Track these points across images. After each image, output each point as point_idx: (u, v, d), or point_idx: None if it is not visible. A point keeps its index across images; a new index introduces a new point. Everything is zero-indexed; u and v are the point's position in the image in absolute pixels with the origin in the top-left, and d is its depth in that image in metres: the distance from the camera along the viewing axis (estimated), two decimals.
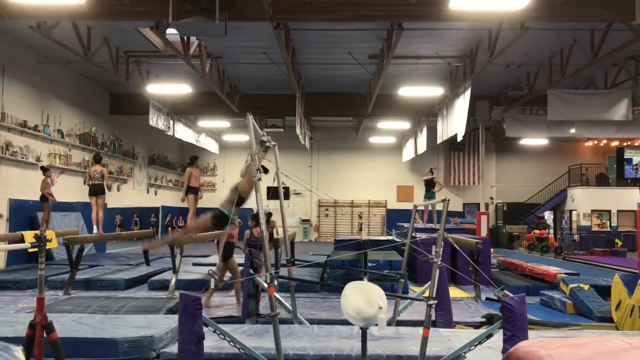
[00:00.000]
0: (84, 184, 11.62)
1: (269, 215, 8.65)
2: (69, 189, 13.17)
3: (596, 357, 2.45)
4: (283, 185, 6.16)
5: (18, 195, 13.29)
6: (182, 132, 19.49)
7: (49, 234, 4.45)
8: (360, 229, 27.43)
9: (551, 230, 23.54)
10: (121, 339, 5.31)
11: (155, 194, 24.49)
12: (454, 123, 14.88)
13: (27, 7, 9.25)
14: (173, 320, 5.87)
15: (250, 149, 4.64)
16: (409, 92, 16.28)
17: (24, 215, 13.52)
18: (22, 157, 13.50)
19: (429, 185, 14.95)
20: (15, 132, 13.41)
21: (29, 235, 10.96)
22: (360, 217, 27.88)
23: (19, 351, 1.76)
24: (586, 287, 8.67)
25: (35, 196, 12.37)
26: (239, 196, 5.65)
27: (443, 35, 12.91)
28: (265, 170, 5.30)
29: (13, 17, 9.59)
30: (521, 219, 24.91)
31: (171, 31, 10.73)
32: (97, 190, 11.67)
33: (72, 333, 5.39)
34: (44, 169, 12.27)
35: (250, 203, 6.90)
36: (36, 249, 4.22)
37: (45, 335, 3.82)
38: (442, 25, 11.80)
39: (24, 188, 13.29)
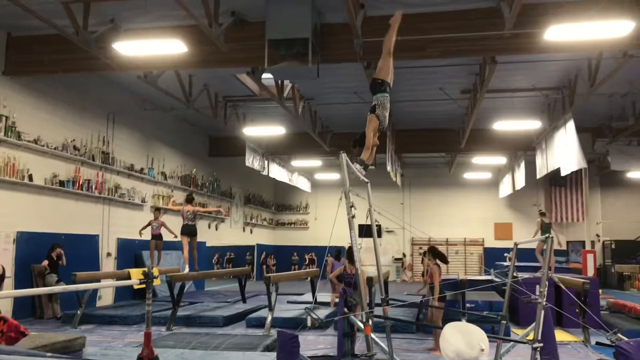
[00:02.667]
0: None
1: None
2: (171, 228, 13.81)
3: None
4: (375, 223, 6.13)
5: (125, 235, 14.11)
6: (276, 171, 20.06)
7: (155, 271, 4.69)
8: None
9: None
10: None
11: (251, 232, 25.15)
12: (555, 157, 14.18)
13: (136, 59, 9.98)
14: (270, 358, 5.93)
15: (343, 186, 4.68)
16: (504, 125, 15.76)
17: (130, 254, 14.34)
18: (129, 199, 14.37)
19: (546, 229, 13.47)
20: (123, 175, 14.32)
21: (136, 273, 11.59)
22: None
23: None
24: None
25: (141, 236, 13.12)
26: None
27: (539, 67, 12.50)
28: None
29: (124, 68, 10.40)
30: (632, 257, 23.09)
31: (266, 76, 11.17)
32: (190, 231, 12.11)
33: None
34: (157, 209, 13.03)
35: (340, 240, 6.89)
36: (143, 286, 4.45)
37: None
38: (538, 57, 11.43)
39: (130, 228, 14.07)
